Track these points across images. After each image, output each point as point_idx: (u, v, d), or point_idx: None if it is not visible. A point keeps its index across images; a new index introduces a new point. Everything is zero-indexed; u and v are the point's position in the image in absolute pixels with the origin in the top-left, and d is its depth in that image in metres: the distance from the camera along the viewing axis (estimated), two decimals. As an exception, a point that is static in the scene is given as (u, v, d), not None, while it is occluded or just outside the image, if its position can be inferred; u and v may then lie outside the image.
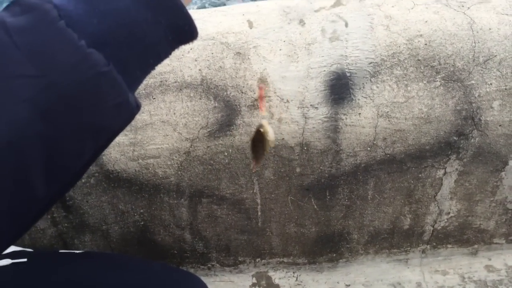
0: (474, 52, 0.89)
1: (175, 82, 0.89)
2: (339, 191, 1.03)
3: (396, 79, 0.89)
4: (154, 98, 0.90)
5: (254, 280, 1.18)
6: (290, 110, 0.90)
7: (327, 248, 1.16)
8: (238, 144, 0.93)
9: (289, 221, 1.08)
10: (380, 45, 0.88)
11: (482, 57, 0.89)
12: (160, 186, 0.98)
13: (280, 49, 0.89)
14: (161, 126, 0.91)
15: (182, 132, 0.91)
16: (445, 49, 0.88)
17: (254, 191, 1.01)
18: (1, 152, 0.30)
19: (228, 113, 0.91)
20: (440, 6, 0.91)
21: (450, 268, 1.17)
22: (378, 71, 0.89)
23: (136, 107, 0.37)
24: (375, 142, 0.94)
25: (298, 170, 0.98)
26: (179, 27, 0.38)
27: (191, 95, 0.90)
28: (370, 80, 0.89)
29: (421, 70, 0.89)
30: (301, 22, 0.91)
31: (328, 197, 1.03)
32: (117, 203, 1.01)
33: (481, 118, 0.93)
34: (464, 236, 1.15)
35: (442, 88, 0.90)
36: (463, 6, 0.91)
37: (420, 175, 1.01)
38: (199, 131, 0.91)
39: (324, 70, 0.89)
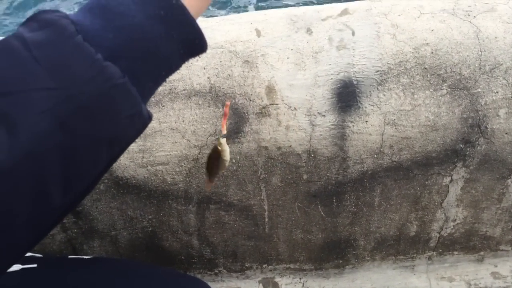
0: (480, 60, 0.89)
1: (184, 90, 0.90)
2: (346, 198, 1.03)
3: (402, 87, 0.90)
4: (163, 106, 0.91)
5: (261, 286, 1.18)
6: (297, 118, 0.91)
7: (334, 255, 1.16)
8: (246, 151, 0.94)
9: (296, 227, 1.09)
10: (387, 53, 0.89)
11: (488, 65, 0.89)
12: (169, 193, 0.99)
13: (287, 57, 0.91)
14: (170, 133, 0.92)
15: (190, 139, 0.92)
16: (451, 58, 0.89)
17: (262, 197, 1.02)
18: (21, 163, 0.31)
19: (236, 121, 0.92)
20: (447, 15, 0.92)
21: (456, 275, 1.18)
22: (385, 79, 0.90)
23: (148, 118, 0.39)
24: (381, 149, 0.95)
25: (305, 177, 0.99)
26: (190, 41, 0.39)
27: (200, 102, 0.91)
28: (377, 88, 0.90)
29: (428, 78, 0.90)
30: (309, 31, 0.92)
31: (335, 203, 1.04)
32: (126, 209, 1.02)
33: (487, 126, 0.93)
34: (470, 243, 1.15)
35: (448, 96, 0.91)
36: (469, 15, 0.92)
37: (426, 182, 1.01)
38: (207, 138, 0.92)
39: (331, 78, 0.90)
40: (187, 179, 0.97)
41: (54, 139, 0.32)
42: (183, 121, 0.91)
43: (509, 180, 1.02)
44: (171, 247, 1.11)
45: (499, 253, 1.18)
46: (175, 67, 0.40)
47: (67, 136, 0.33)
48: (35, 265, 0.71)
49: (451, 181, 1.02)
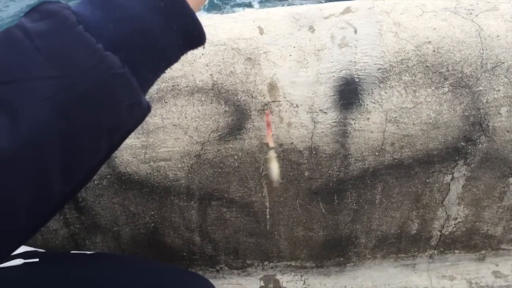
0: (482, 58, 0.90)
1: (187, 86, 0.91)
2: (347, 195, 1.04)
3: (404, 85, 0.91)
4: (166, 102, 0.92)
5: (262, 283, 1.19)
6: (299, 115, 0.92)
7: (335, 252, 1.16)
8: (247, 148, 0.94)
9: (297, 224, 1.09)
10: (389, 51, 0.89)
11: (490, 63, 0.90)
12: (171, 189, 1.00)
13: (290, 55, 0.91)
14: (172, 129, 0.93)
15: (193, 136, 0.93)
16: (453, 56, 0.89)
17: (263, 194, 1.02)
18: (22, 150, 0.31)
19: (238, 117, 0.92)
20: (449, 13, 0.92)
21: (457, 274, 1.18)
22: (386, 77, 0.90)
23: (148, 109, 0.39)
24: (383, 147, 0.95)
25: (306, 174, 0.99)
26: (189, 33, 0.40)
27: (202, 99, 0.91)
28: (379, 85, 0.90)
29: (430, 76, 0.90)
30: (311, 29, 0.93)
31: (336, 201, 1.04)
32: (128, 205, 1.03)
33: (488, 124, 0.94)
34: (471, 242, 1.15)
35: (450, 94, 0.91)
36: (471, 14, 0.92)
37: (427, 180, 1.02)
38: (209, 135, 0.93)
39: (333, 76, 0.90)
40: (189, 175, 0.97)
41: (55, 127, 0.33)
42: (186, 117, 0.92)
43: (510, 179, 1.02)
44: (173, 243, 1.11)
45: (500, 252, 1.18)
46: (174, 59, 0.41)
47: (67, 125, 0.33)
48: (37, 260, 0.72)
49: (452, 179, 1.02)
